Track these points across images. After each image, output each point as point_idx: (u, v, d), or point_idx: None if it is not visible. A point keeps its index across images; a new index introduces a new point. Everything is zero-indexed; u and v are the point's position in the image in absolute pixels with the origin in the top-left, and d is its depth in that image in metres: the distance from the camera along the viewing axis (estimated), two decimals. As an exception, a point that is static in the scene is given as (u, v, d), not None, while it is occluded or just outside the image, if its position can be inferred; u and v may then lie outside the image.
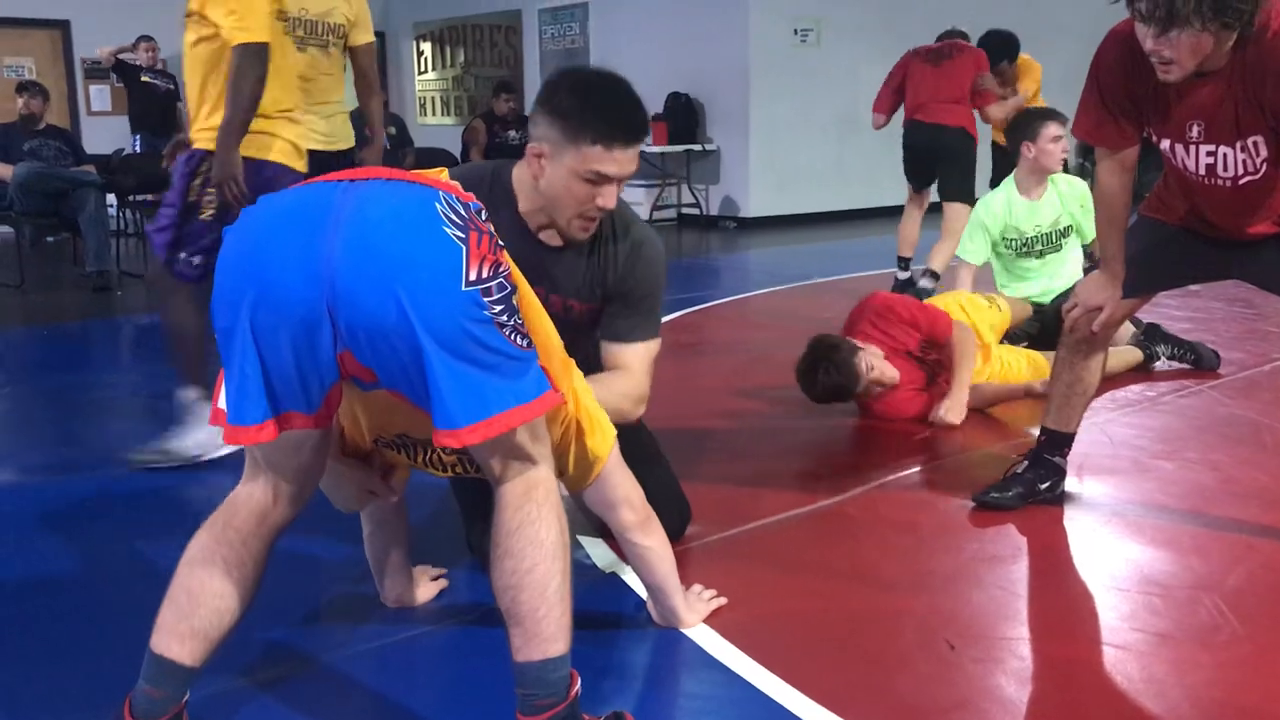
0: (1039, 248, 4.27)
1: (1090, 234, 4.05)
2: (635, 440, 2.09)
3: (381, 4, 12.77)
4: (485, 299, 1.44)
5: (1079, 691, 1.86)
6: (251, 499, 1.62)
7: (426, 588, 2.19)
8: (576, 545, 2.41)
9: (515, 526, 1.53)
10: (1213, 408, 3.56)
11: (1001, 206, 4.27)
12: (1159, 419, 3.44)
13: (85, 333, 5.40)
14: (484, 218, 1.51)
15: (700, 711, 1.86)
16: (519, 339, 1.49)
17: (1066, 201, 4.20)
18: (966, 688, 1.87)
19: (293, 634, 2.07)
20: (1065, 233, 4.24)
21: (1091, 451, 3.03)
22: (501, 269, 1.48)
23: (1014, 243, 4.30)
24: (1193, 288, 5.81)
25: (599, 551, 2.40)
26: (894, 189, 6.91)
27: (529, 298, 1.66)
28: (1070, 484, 2.73)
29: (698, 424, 3.43)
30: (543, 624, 1.51)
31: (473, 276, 1.43)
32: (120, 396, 4.00)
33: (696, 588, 2.12)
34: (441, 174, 1.70)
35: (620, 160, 1.91)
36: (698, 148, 9.51)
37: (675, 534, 2.26)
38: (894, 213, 7.02)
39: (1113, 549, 2.46)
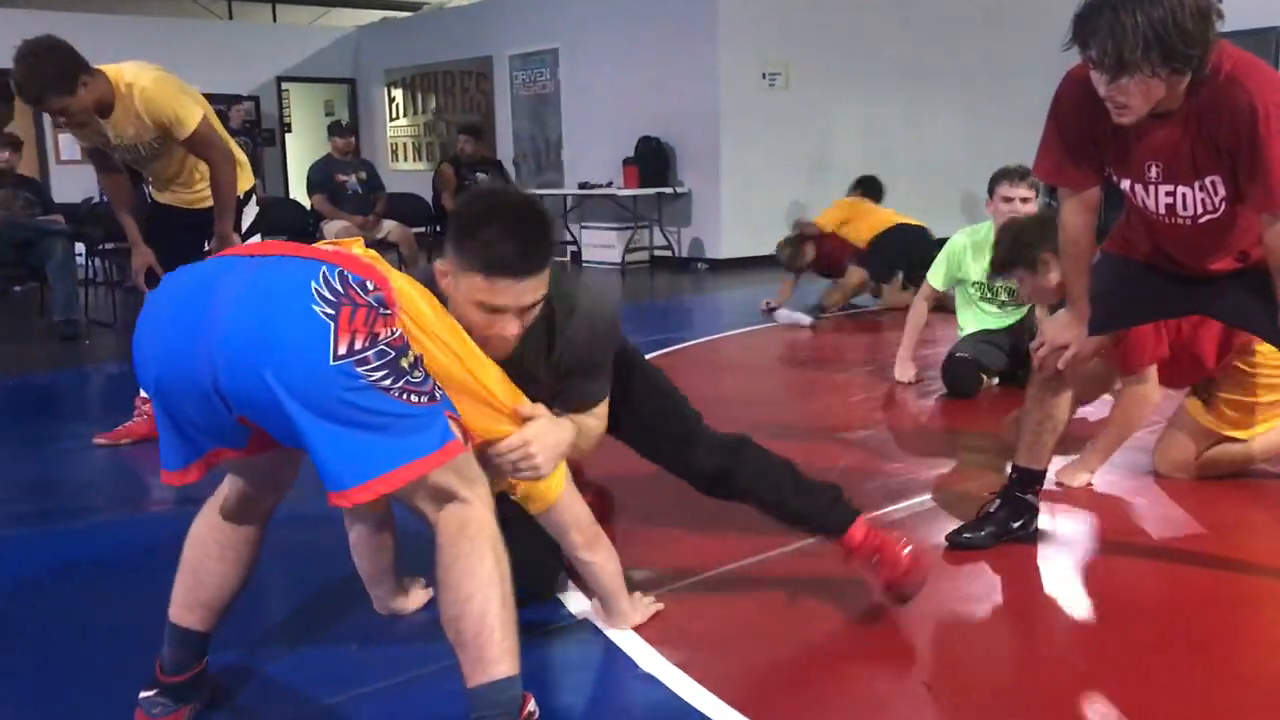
0: (1002, 298, 4.33)
1: None
2: None
3: (353, 51, 12.85)
4: (360, 368, 1.50)
5: (1056, 731, 1.85)
6: (235, 492, 1.80)
7: (416, 596, 2.30)
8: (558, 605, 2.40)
9: (450, 561, 1.63)
10: (1182, 442, 3.58)
11: (960, 248, 4.35)
12: (1130, 455, 3.46)
13: (53, 382, 5.34)
14: (370, 290, 1.56)
15: (676, 760, 1.84)
16: (414, 397, 1.56)
17: None
18: (944, 730, 1.86)
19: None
20: None
21: (1063, 489, 3.04)
22: (382, 337, 1.53)
23: (970, 284, 4.36)
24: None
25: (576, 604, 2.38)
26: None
27: (461, 350, 1.74)
28: (1043, 521, 2.74)
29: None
30: (485, 648, 1.61)
31: (342, 350, 1.50)
32: (88, 446, 3.94)
33: (638, 594, 2.26)
34: (355, 244, 1.74)
35: (507, 292, 1.79)
36: (669, 190, 9.57)
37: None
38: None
39: (1087, 586, 2.46)
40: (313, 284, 1.52)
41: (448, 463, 1.61)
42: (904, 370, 4.54)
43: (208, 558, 1.81)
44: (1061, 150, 2.30)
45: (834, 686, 2.02)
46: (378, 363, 1.52)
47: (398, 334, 1.57)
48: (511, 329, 1.84)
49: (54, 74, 3.22)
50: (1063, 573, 2.55)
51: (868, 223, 6.50)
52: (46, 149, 10.19)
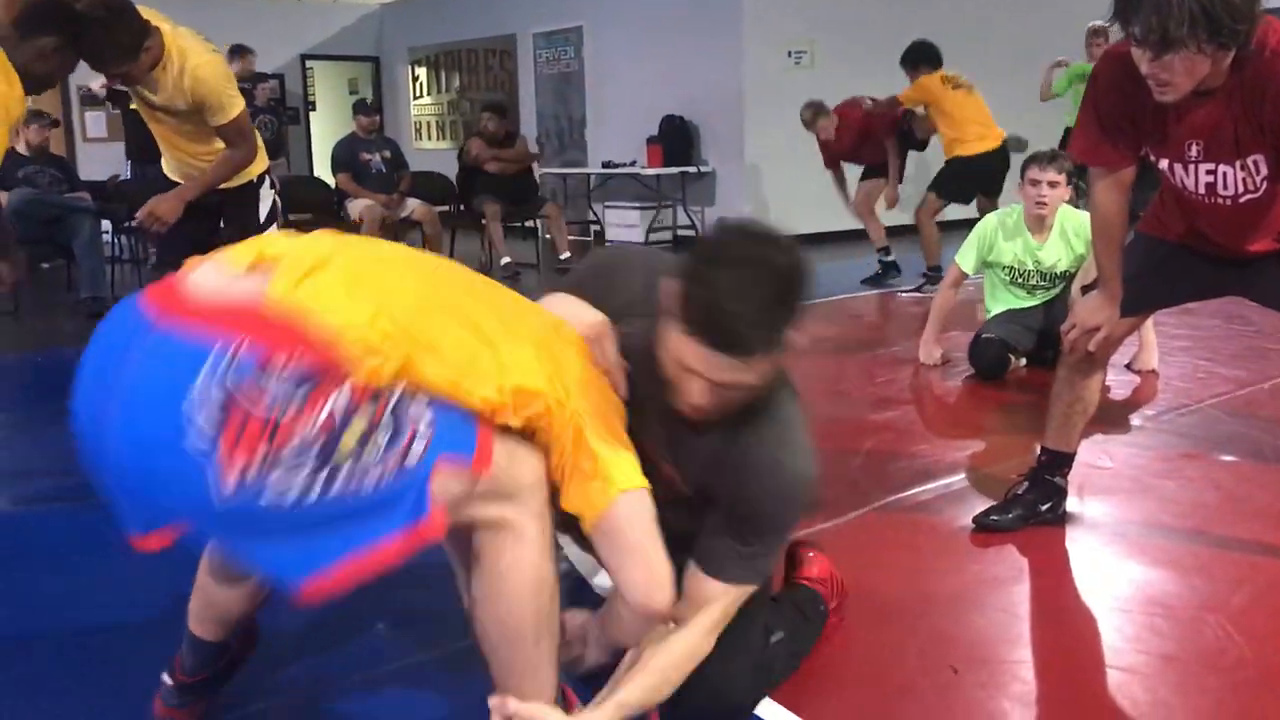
0: (1033, 282, 4.29)
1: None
2: None
3: (378, 29, 12.83)
4: (263, 496, 1.24)
5: (1083, 714, 1.84)
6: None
7: None
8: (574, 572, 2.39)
9: (488, 576, 1.49)
10: (1213, 425, 3.54)
11: (991, 230, 4.30)
12: (1159, 438, 3.42)
13: (80, 359, 5.37)
14: (279, 371, 1.25)
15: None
16: (367, 478, 1.28)
17: (1073, 246, 4.19)
18: (970, 713, 1.85)
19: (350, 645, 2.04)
20: (1064, 277, 4.24)
21: (1092, 471, 3.01)
22: (301, 430, 1.24)
23: (1000, 268, 4.32)
24: (1189, 305, 5.82)
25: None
26: (888, 211, 6.96)
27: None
28: (1071, 504, 2.71)
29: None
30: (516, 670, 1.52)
31: (228, 488, 1.23)
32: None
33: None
34: (290, 267, 1.40)
35: (703, 360, 1.43)
36: (693, 170, 9.52)
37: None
38: (889, 233, 7.05)
39: (1115, 570, 2.44)
40: (184, 404, 1.23)
41: (484, 481, 1.39)
42: (929, 353, 4.50)
43: (219, 581, 1.69)
44: (1098, 129, 2.26)
45: (857, 670, 2.00)
46: (294, 467, 1.24)
47: (341, 402, 1.26)
48: (695, 395, 1.48)
49: (127, 44, 3.17)
50: (1091, 556, 2.53)
51: (959, 117, 6.22)
52: (74, 127, 10.23)
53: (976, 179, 6.30)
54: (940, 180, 6.40)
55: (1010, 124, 6.57)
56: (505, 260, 7.61)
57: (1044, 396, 2.63)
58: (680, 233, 9.88)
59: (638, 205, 9.70)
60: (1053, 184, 4.11)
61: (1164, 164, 2.25)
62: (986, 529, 2.62)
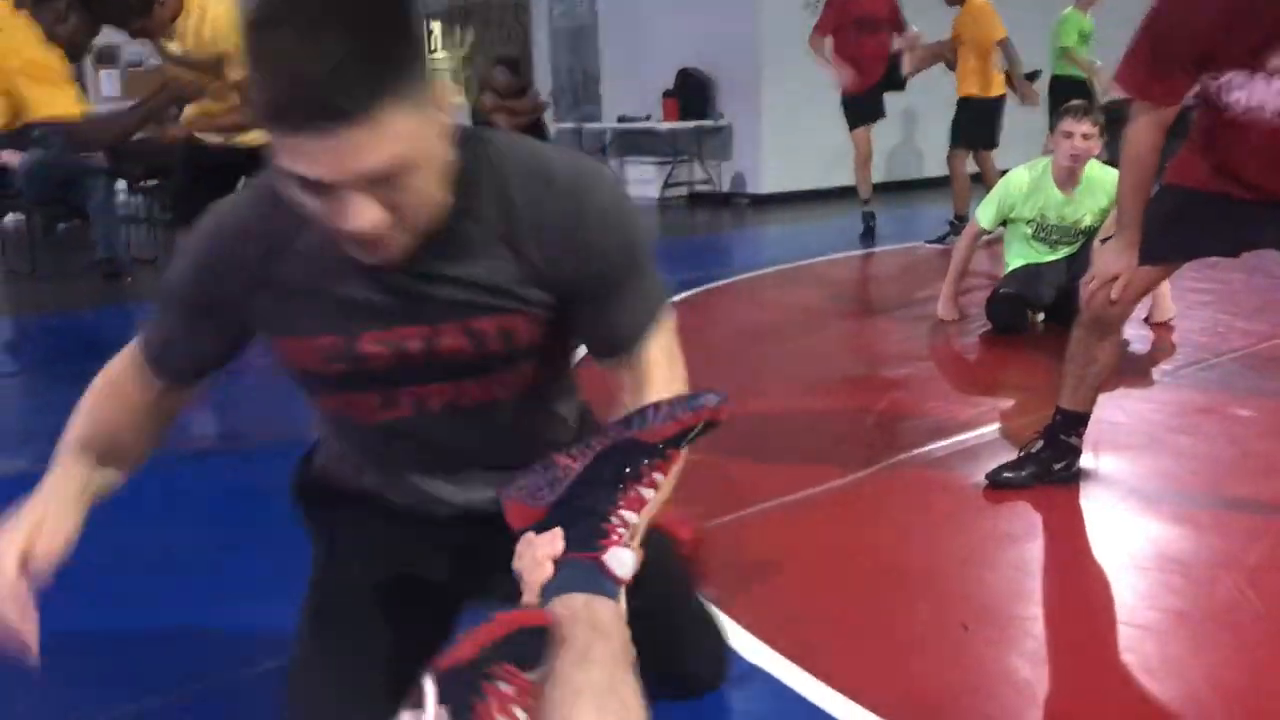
0: (1054, 237, 4.24)
1: None
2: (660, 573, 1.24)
3: (389, -16, 12.72)
4: None
5: (1095, 672, 1.83)
6: None
7: None
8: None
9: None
10: (1231, 380, 3.51)
11: (1019, 183, 4.24)
12: (1176, 392, 3.39)
13: (96, 320, 5.41)
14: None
15: (708, 697, 1.84)
16: None
17: (1099, 200, 4.13)
18: (980, 670, 1.85)
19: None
20: (1087, 232, 4.19)
21: (1107, 427, 2.98)
22: None
23: (1023, 221, 4.27)
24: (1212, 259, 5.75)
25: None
26: (908, 163, 6.88)
27: None
28: (1086, 460, 2.69)
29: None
30: None
31: None
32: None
33: None
34: None
35: (305, 154, 1.01)
36: (709, 123, 9.43)
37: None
38: (909, 187, 6.98)
39: (1129, 526, 2.42)
40: None
41: None
42: (947, 309, 4.47)
43: None
44: (1155, 63, 2.19)
45: (867, 626, 2.00)
46: None
47: None
48: (351, 220, 1.05)
49: (137, 2, 3.22)
50: (1104, 513, 2.51)
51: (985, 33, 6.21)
52: (88, 87, 10.22)
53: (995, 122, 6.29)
54: (966, 126, 6.37)
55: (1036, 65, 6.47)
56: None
57: (1061, 355, 2.60)
58: (697, 188, 9.82)
59: (654, 160, 9.63)
60: (1086, 136, 4.05)
61: (1235, 86, 2.15)
62: (999, 486, 2.61)
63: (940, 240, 6.35)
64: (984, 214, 4.34)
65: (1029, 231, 4.28)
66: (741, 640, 1.92)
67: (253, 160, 3.72)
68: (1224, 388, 3.43)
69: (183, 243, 1.31)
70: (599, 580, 1.07)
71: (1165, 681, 1.78)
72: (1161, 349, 3.95)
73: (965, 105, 6.42)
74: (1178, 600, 2.06)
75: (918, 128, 9.25)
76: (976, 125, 6.36)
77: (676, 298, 5.15)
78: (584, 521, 1.09)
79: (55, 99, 3.50)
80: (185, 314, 1.32)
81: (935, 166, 7.11)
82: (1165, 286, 4.20)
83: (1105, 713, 1.72)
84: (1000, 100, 6.36)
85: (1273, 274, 5.01)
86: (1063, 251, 4.26)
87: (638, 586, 1.11)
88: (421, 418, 1.30)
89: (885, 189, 8.02)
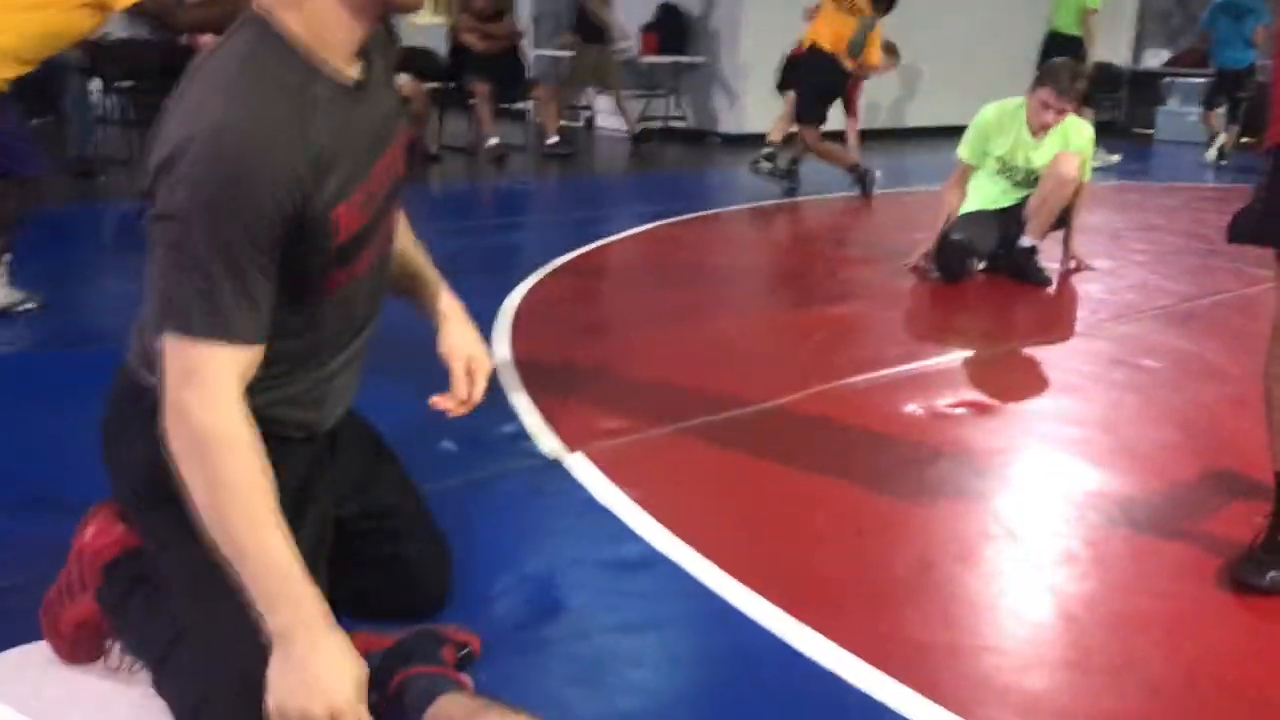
0: (1017, 178, 4.40)
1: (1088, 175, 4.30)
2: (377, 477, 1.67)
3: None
4: None
5: (964, 574, 2.05)
6: None
7: None
8: (525, 437, 2.59)
9: None
10: (1147, 335, 3.73)
11: (990, 120, 4.41)
12: (1091, 344, 3.61)
13: (68, 217, 5.48)
14: None
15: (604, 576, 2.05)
16: None
17: (1057, 144, 4.29)
18: (867, 568, 2.06)
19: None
20: (1038, 179, 4.34)
21: (1022, 376, 3.19)
22: None
23: (993, 156, 4.42)
24: (1155, 220, 5.97)
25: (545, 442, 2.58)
26: (886, 109, 6.96)
27: None
28: (995, 401, 2.89)
29: (656, 326, 3.59)
30: None
31: None
32: (103, 278, 4.13)
33: None
34: None
35: None
36: (686, 60, 9.49)
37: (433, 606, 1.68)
38: (885, 135, 7.08)
39: (1025, 457, 2.65)
40: None
41: None
42: (916, 254, 4.58)
43: None
44: None
45: (774, 527, 2.21)
46: None
47: None
48: None
49: None
50: (1006, 446, 2.73)
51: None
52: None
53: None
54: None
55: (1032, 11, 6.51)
56: (492, 141, 7.66)
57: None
58: (672, 123, 9.91)
59: (630, 93, 9.70)
60: (1060, 112, 4.23)
61: None
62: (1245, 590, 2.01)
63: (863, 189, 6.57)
64: (964, 149, 4.49)
65: (995, 166, 4.44)
66: (653, 532, 2.13)
67: None
68: (1138, 341, 3.66)
69: (201, 181, 1.16)
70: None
71: (1023, 584, 2.01)
72: (1087, 303, 4.17)
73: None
74: (1051, 522, 2.28)
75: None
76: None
77: (640, 229, 5.32)
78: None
79: None
80: (253, 243, 1.18)
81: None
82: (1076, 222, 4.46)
83: (960, 597, 1.94)
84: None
85: (1209, 240, 5.24)
86: (1016, 196, 4.41)
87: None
88: (368, 277, 1.40)
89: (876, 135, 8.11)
